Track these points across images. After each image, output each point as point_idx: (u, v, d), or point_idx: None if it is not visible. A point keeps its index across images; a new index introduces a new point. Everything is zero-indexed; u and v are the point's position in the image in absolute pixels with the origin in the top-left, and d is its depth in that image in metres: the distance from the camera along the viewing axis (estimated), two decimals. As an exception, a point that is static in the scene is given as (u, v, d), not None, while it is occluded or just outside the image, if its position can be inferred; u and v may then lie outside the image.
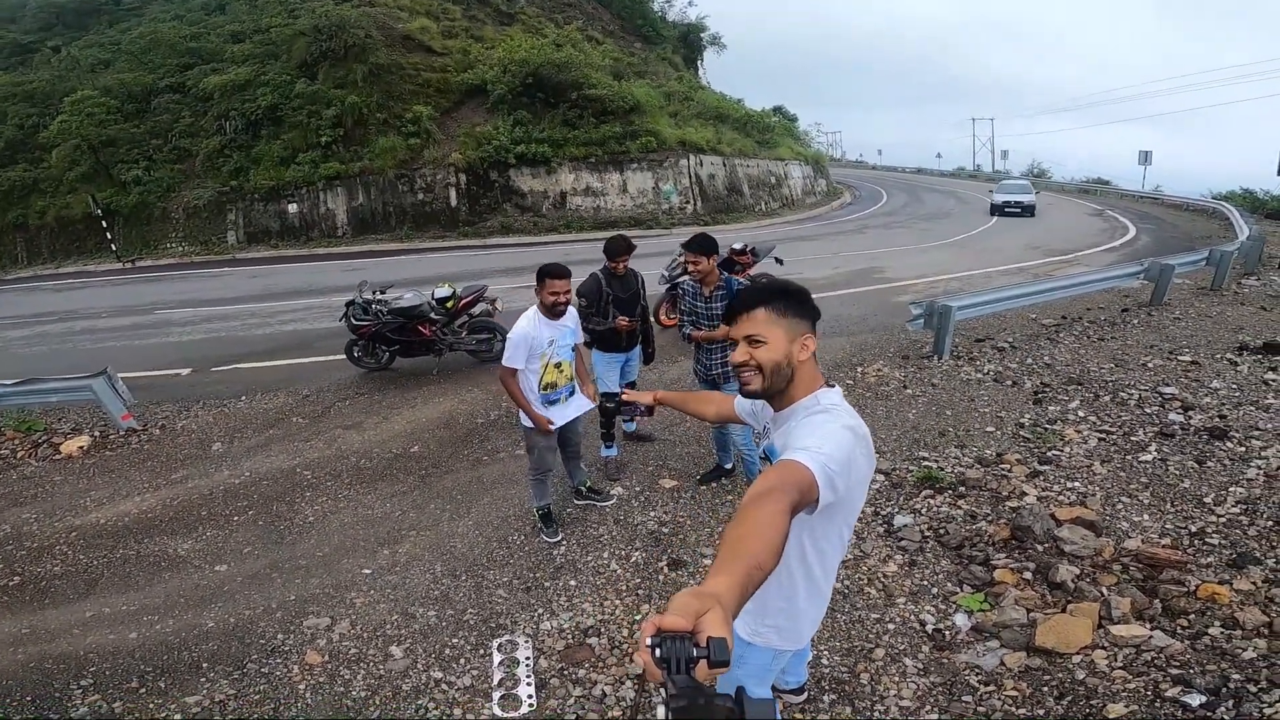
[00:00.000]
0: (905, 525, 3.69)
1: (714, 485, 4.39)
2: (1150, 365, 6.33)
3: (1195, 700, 2.27)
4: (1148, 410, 5.22)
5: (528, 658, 2.84)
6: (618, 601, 3.24)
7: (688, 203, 21.08)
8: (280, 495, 4.76)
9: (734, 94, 31.58)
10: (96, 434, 6.12)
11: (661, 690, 0.79)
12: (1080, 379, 6.04)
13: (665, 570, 3.49)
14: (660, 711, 0.74)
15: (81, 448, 5.83)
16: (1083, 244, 15.19)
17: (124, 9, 30.10)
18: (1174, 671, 2.44)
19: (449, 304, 7.06)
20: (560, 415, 3.65)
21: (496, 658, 2.86)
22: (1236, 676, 2.37)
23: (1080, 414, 5.26)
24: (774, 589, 1.61)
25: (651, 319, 5.14)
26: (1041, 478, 4.17)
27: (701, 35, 34.55)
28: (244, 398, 6.85)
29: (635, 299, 4.56)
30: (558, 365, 3.56)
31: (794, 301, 1.60)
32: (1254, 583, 2.83)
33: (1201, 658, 2.49)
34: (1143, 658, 2.52)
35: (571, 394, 3.71)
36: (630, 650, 2.86)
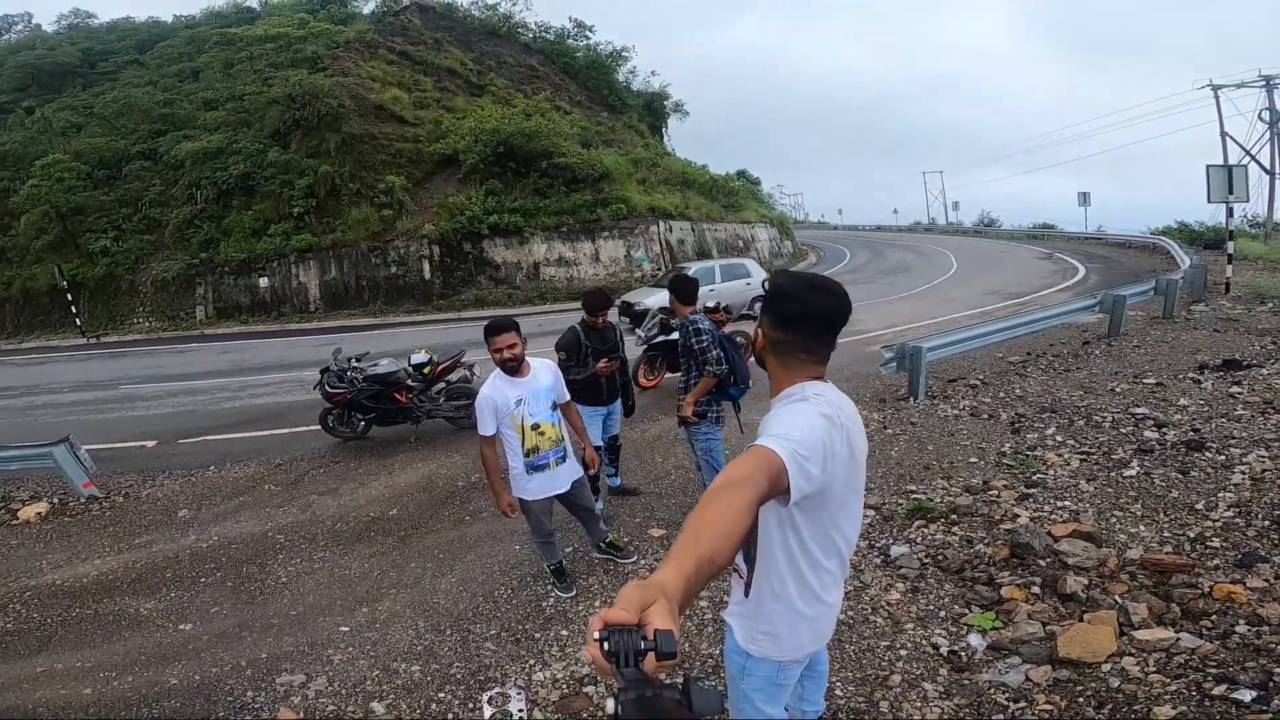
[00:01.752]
0: (902, 554, 3.62)
1: None
2: (1118, 390, 6.49)
3: (1246, 696, 2.18)
4: (1123, 430, 5.31)
5: (521, 710, 2.65)
6: (614, 648, 3.08)
7: (659, 269, 21.48)
8: (251, 558, 4.57)
9: (698, 159, 32.97)
10: (55, 501, 5.89)
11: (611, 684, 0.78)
12: (1053, 407, 6.14)
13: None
14: (610, 705, 0.74)
15: (39, 514, 5.60)
16: (1038, 286, 15.80)
17: (98, 73, 30.60)
18: (1213, 671, 2.36)
19: (425, 370, 6.99)
20: (550, 484, 3.43)
21: (487, 711, 2.67)
22: None
23: (1058, 439, 5.32)
24: (766, 592, 1.54)
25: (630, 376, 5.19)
26: (1031, 500, 4.16)
27: (665, 103, 36.03)
28: (213, 467, 6.63)
29: (614, 350, 4.59)
30: (535, 427, 3.32)
31: (768, 300, 1.62)
32: (1266, 580, 2.81)
33: (1236, 656, 2.42)
34: (1175, 660, 2.45)
35: (563, 459, 3.47)
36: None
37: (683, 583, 0.95)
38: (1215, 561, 3.08)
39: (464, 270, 20.78)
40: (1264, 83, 20.83)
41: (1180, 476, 4.22)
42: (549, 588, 3.69)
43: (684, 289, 3.73)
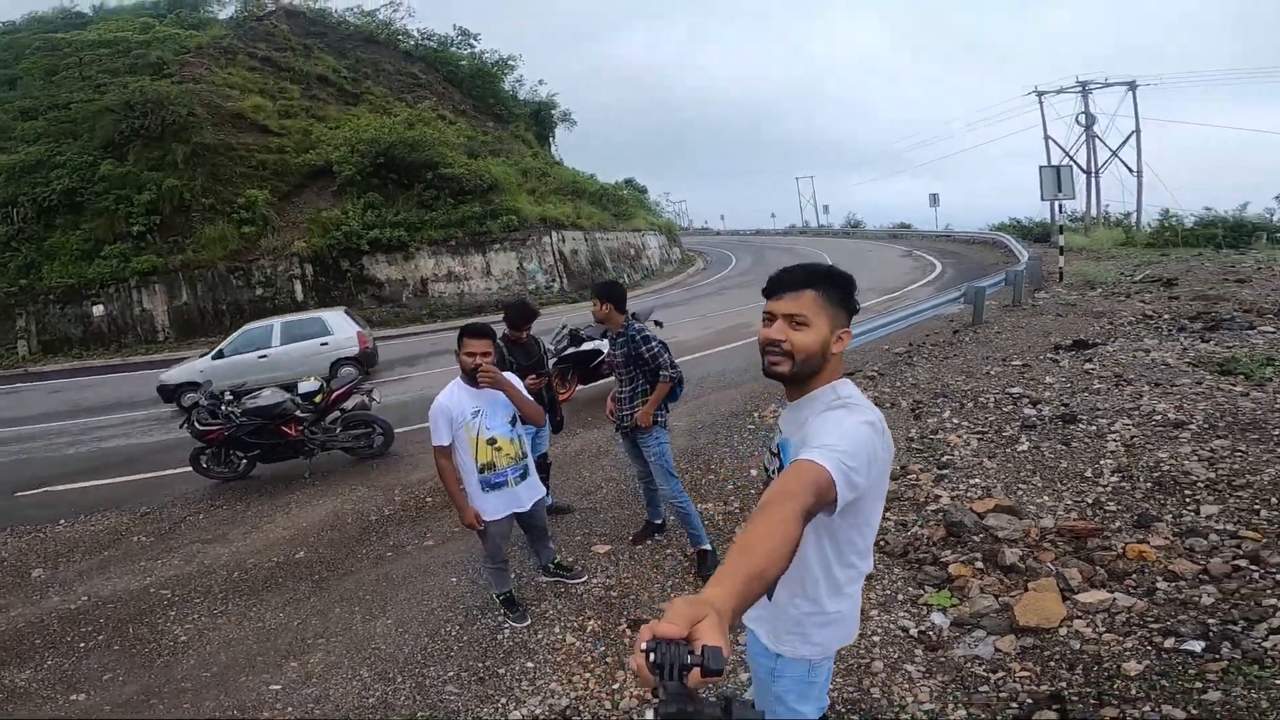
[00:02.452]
0: (845, 543, 3.77)
1: (649, 543, 4.24)
2: (993, 373, 7.19)
3: (1196, 647, 2.43)
4: (1005, 409, 5.87)
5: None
6: (587, 675, 2.95)
7: (554, 280, 21.24)
8: (135, 617, 4.05)
9: (586, 169, 33.01)
10: None
11: (653, 696, 0.80)
12: (944, 392, 6.69)
13: (627, 633, 3.25)
14: (649, 715, 0.76)
15: None
16: (905, 282, 17.28)
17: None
18: (1155, 626, 2.63)
19: (317, 399, 6.44)
20: (509, 502, 3.24)
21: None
22: (1213, 621, 2.59)
23: (955, 421, 5.79)
24: (799, 594, 1.54)
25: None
26: (946, 480, 4.48)
27: (553, 112, 35.80)
28: (63, 521, 5.81)
29: (539, 366, 4.49)
30: (492, 442, 3.13)
31: (844, 291, 1.53)
32: (1166, 538, 3.19)
33: (1168, 610, 2.71)
34: (1118, 619, 2.70)
35: (524, 476, 3.28)
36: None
37: (734, 599, 0.95)
38: (1117, 524, 3.46)
39: (342, 289, 19.41)
40: (1081, 88, 24.08)
41: (1065, 448, 4.72)
42: (500, 619, 3.48)
43: (619, 295, 3.66)
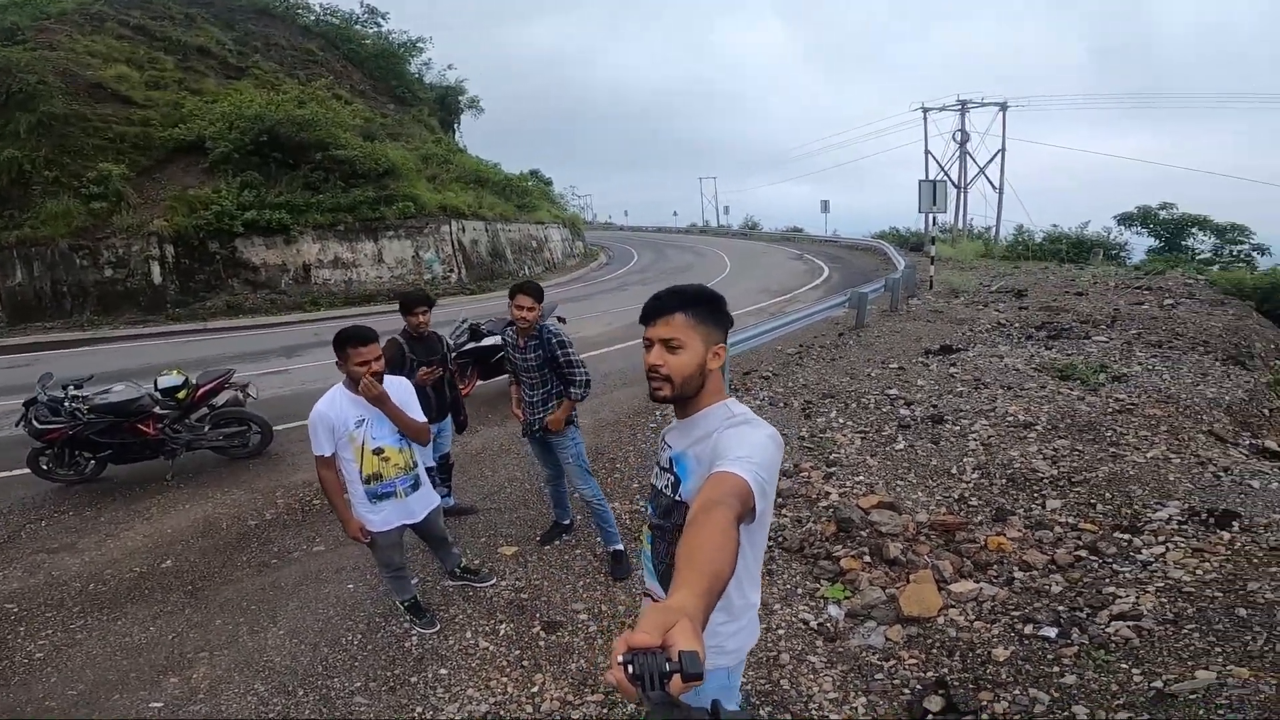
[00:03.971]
0: (745, 538, 3.99)
1: (558, 543, 4.28)
2: (873, 375, 7.81)
3: (1051, 632, 2.78)
4: (884, 410, 6.41)
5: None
6: (505, 679, 2.94)
7: (451, 271, 20.52)
8: None
9: (491, 158, 32.01)
10: None
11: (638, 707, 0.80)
12: (831, 393, 7.19)
13: (542, 635, 3.27)
14: None
15: None
16: (796, 284, 18.25)
17: None
18: (1015, 613, 2.99)
19: (180, 395, 5.89)
20: (399, 513, 3.10)
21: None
22: (1063, 608, 2.97)
23: (841, 421, 6.25)
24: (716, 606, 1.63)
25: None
26: (835, 478, 4.84)
27: (460, 98, 34.37)
28: None
29: (441, 363, 4.41)
30: (379, 452, 2.96)
31: (713, 308, 1.61)
32: (1020, 530, 3.63)
33: (1025, 598, 3.09)
34: (985, 607, 3.05)
35: (415, 486, 3.16)
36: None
37: (700, 601, 0.97)
38: (979, 518, 3.90)
39: (209, 273, 17.73)
40: (960, 106, 26.26)
41: (934, 446, 5.24)
42: (407, 625, 3.40)
43: (540, 293, 3.64)
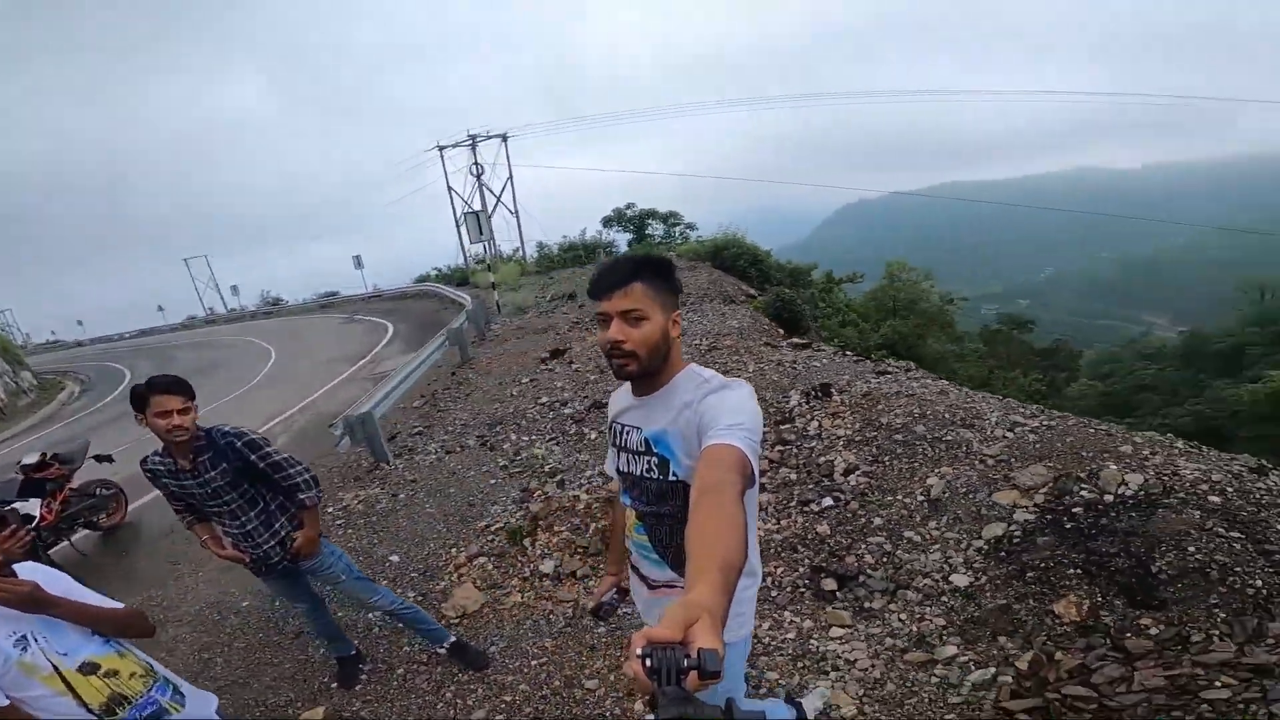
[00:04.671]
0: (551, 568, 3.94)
1: (364, 677, 3.36)
2: (515, 393, 8.33)
3: (829, 500, 3.60)
4: (550, 415, 6.98)
5: None
6: None
7: None
8: None
9: None
10: None
11: (652, 701, 0.81)
12: (494, 421, 7.37)
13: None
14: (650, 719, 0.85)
15: None
16: (368, 346, 17.32)
17: None
18: (797, 502, 3.73)
19: None
20: None
21: None
22: (810, 484, 3.85)
23: (528, 438, 6.54)
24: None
25: None
26: (569, 483, 5.12)
27: None
28: None
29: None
30: (89, 669, 1.93)
31: (668, 275, 1.55)
32: None
33: (786, 493, 3.88)
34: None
35: (179, 696, 2.13)
36: None
37: (720, 595, 0.96)
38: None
39: None
40: (471, 141, 27.74)
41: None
42: None
43: (189, 388, 2.56)
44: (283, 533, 2.82)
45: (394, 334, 18.56)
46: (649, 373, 1.53)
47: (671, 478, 1.57)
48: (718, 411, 1.40)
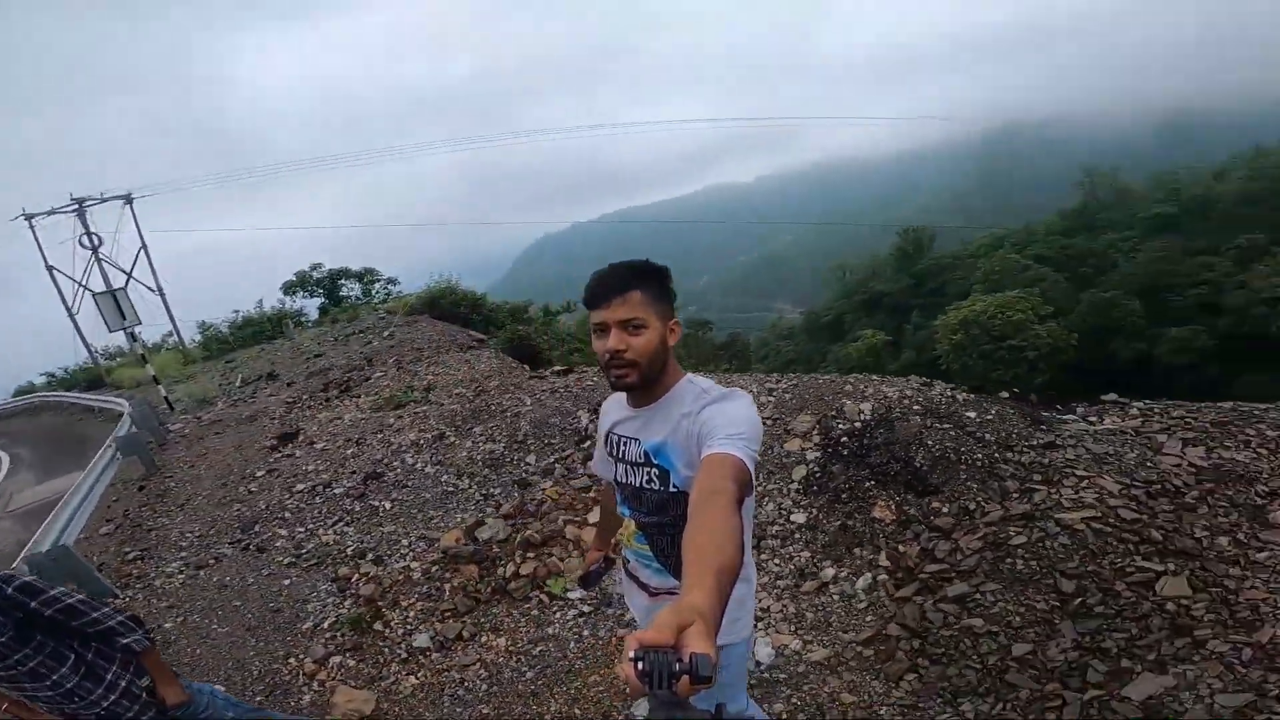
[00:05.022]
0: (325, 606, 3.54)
1: None
2: (258, 488, 7.07)
3: None
4: (325, 497, 6.14)
5: None
6: None
7: None
8: None
9: None
10: None
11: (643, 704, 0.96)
12: (248, 520, 6.14)
13: None
14: None
15: None
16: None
17: None
18: None
19: None
20: None
21: None
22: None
23: (291, 534, 5.63)
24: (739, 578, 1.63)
25: None
26: (386, 563, 4.60)
27: None
28: None
29: None
30: None
31: (664, 282, 1.52)
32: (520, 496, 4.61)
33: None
34: None
35: None
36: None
37: (713, 600, 0.96)
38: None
39: None
40: (77, 206, 20.60)
41: (410, 486, 5.60)
42: None
43: None
44: (122, 683, 2.17)
45: (12, 463, 13.79)
46: (648, 382, 1.51)
47: (672, 489, 1.55)
48: (717, 421, 1.39)
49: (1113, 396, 4.77)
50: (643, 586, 1.75)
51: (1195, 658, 2.23)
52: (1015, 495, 3.23)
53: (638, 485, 1.62)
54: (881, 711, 2.43)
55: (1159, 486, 3.21)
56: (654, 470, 1.56)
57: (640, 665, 0.78)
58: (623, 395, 1.67)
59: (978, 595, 2.68)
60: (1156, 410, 4.26)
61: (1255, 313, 28.34)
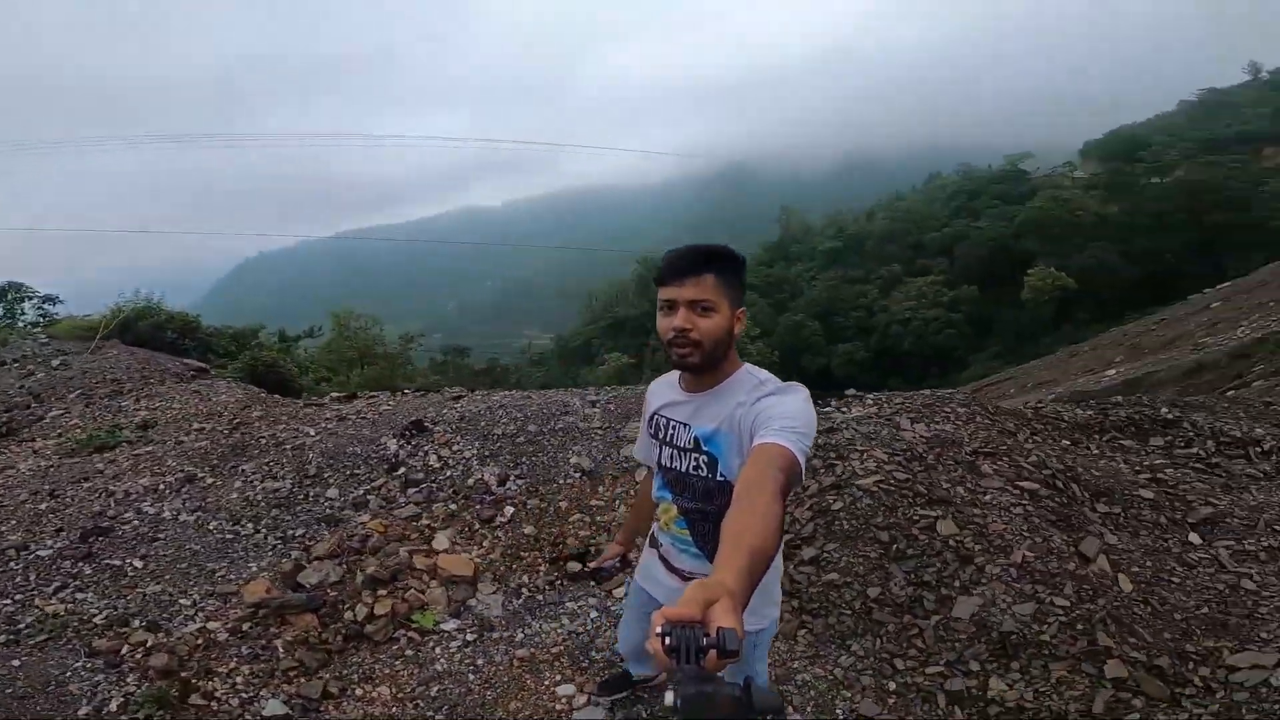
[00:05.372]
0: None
1: None
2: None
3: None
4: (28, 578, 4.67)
5: None
6: None
7: None
8: None
9: None
10: None
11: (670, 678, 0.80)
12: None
13: None
14: (668, 697, 0.78)
15: None
16: None
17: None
18: None
19: None
20: None
21: None
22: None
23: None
24: None
25: None
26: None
27: None
28: None
29: None
30: None
31: (740, 270, 1.52)
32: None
33: None
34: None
35: None
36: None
37: (743, 579, 0.97)
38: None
39: None
40: None
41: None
42: None
43: None
44: None
45: None
46: (710, 365, 1.51)
47: (720, 477, 1.56)
48: (773, 413, 1.40)
49: (852, 391, 5.99)
50: (675, 571, 1.75)
51: (983, 580, 2.99)
52: (822, 471, 3.90)
53: (683, 471, 1.62)
54: (794, 665, 2.77)
55: (909, 453, 4.13)
56: (703, 457, 1.57)
57: (667, 640, 0.78)
58: (673, 378, 1.68)
59: (825, 554, 3.20)
60: (884, 399, 5.47)
61: (892, 331, 37.26)
